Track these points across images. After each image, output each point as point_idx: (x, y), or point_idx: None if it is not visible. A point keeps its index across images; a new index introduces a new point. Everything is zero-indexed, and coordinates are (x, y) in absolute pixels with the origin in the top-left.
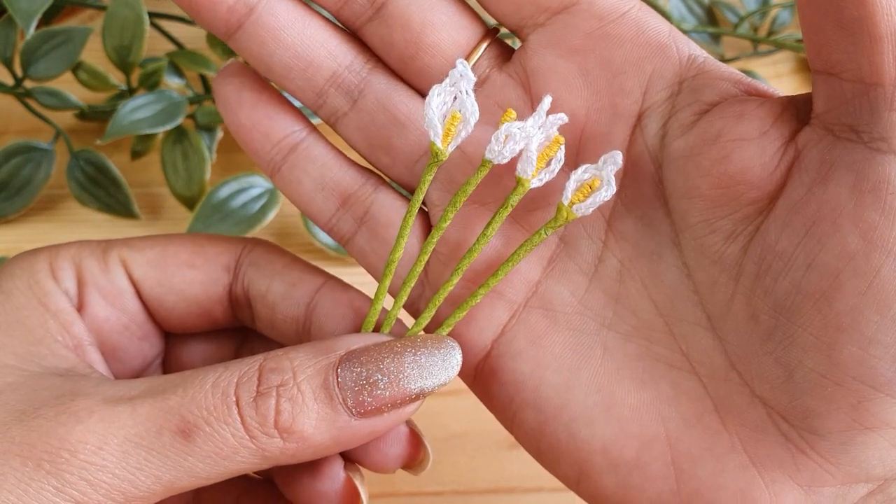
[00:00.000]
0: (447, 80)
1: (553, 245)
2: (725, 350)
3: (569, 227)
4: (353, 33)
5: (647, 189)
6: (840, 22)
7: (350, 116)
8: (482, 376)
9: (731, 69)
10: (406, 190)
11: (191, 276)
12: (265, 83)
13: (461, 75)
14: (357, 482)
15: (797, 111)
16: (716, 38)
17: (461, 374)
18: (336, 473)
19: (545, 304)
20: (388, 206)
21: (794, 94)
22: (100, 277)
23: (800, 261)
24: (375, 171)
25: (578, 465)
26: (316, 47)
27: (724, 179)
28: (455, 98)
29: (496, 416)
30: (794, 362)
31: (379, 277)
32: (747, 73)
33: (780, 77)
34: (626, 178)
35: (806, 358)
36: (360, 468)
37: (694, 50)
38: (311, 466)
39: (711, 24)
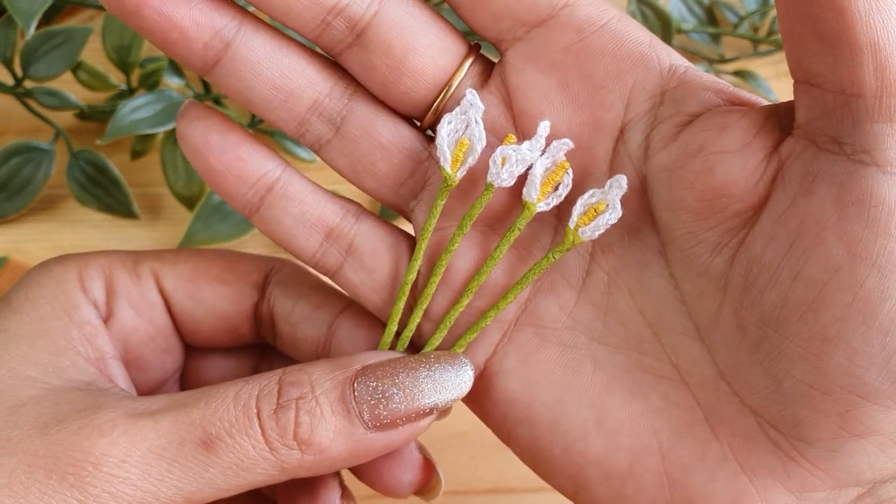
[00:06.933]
0: (458, 109)
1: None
2: (714, 360)
3: (555, 240)
4: (330, 59)
5: (632, 201)
6: (819, 33)
7: (333, 143)
8: (476, 395)
9: (714, 78)
10: (395, 211)
11: (221, 292)
12: (231, 122)
13: (471, 104)
14: None
15: (780, 120)
16: (716, 38)
17: None
18: (332, 502)
19: (535, 320)
20: (373, 235)
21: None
22: (131, 288)
23: (785, 273)
24: (353, 201)
25: (574, 478)
26: (295, 77)
27: (707, 192)
28: (467, 126)
29: (493, 431)
30: (783, 373)
31: (369, 307)
32: (747, 73)
33: (779, 77)
34: None
35: (794, 368)
36: (356, 498)
37: (675, 59)
38: (309, 493)
39: (711, 24)
